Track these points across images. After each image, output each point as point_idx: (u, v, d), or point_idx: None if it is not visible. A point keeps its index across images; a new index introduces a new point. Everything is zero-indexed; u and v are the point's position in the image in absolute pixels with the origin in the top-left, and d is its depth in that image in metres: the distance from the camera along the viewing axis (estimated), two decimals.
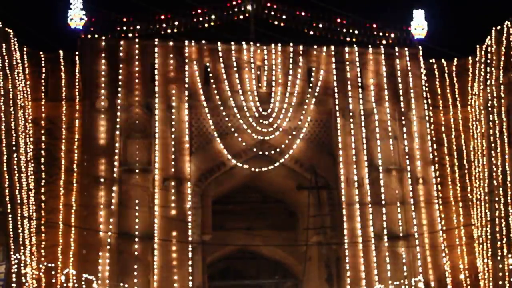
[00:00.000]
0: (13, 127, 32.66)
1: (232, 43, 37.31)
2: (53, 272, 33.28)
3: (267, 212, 41.84)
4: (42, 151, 35.43)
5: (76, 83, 36.43)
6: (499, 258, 33.65)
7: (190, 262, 34.43)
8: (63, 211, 34.74)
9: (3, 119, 32.14)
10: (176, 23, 37.55)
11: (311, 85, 37.38)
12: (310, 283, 39.12)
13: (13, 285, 30.44)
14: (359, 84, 37.68)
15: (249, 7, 38.27)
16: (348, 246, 35.40)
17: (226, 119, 36.56)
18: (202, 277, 35.60)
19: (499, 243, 33.76)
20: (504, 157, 34.27)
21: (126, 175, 35.14)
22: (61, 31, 39.26)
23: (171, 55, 36.57)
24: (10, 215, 31.23)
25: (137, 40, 36.66)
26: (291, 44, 37.63)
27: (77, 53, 36.55)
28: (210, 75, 36.78)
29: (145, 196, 35.15)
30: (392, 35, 38.86)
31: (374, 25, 38.80)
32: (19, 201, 32.15)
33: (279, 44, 37.59)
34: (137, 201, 34.84)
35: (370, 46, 38.34)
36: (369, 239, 35.52)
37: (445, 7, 54.60)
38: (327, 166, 36.90)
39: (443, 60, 39.71)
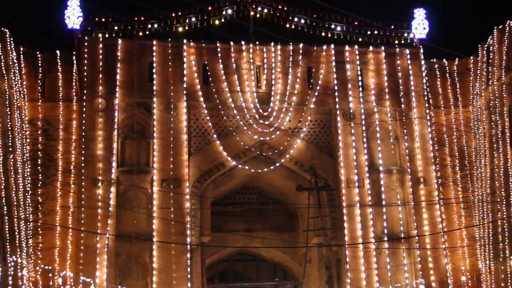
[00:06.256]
0: (10, 128, 32.37)
1: (232, 43, 37.07)
2: (50, 275, 32.95)
3: (267, 213, 41.55)
4: (39, 152, 35.20)
5: (73, 83, 36.16)
6: (501, 259, 33.40)
7: (188, 264, 34.16)
8: (60, 213, 34.47)
9: (0, 119, 31.84)
10: (174, 22, 37.27)
11: (311, 85, 37.13)
12: (310, 285, 38.86)
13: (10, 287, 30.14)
14: (360, 84, 37.47)
15: (248, 7, 38.01)
16: (349, 247, 35.16)
17: (225, 119, 36.30)
18: (201, 279, 35.34)
19: (501, 244, 33.47)
20: (506, 158, 34.02)
21: (124, 176, 34.88)
22: (58, 30, 39.06)
23: (170, 55, 36.27)
24: (6, 217, 30.92)
25: (135, 39, 36.41)
26: (291, 43, 37.40)
27: (74, 52, 36.30)
28: (209, 74, 36.51)
29: (144, 197, 34.95)
30: (393, 35, 38.64)
31: (375, 25, 38.57)
32: (15, 203, 31.85)
33: (279, 44, 37.35)
34: (135, 203, 34.60)
35: (370, 45, 38.15)
36: (370, 241, 35.26)
37: (446, 6, 54.35)
38: (327, 167, 36.68)
39: (444, 60, 39.57)
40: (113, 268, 33.64)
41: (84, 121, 34.99)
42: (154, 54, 36.21)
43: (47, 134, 35.62)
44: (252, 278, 42.54)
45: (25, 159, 33.98)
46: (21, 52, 35.24)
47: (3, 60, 32.64)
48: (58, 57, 36.37)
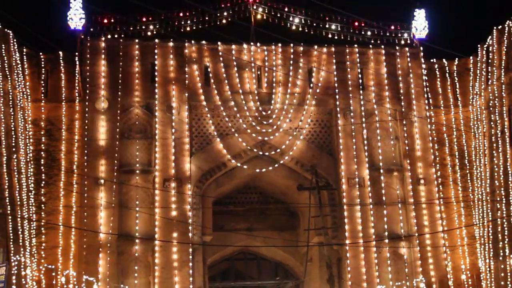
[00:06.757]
0: (13, 128, 32.58)
1: (232, 43, 37.22)
2: (53, 274, 33.14)
3: (268, 212, 41.70)
4: (42, 152, 35.39)
5: (76, 84, 36.37)
6: (501, 258, 33.54)
7: (190, 263, 34.36)
8: (63, 213, 34.67)
9: (3, 120, 32.05)
10: (176, 23, 37.43)
11: (311, 85, 37.31)
12: (311, 284, 39.02)
13: (13, 287, 30.30)
14: (360, 84, 37.60)
15: (249, 7, 38.18)
16: (349, 246, 35.29)
17: (227, 119, 36.47)
18: (203, 278, 35.52)
19: (500, 243, 33.63)
20: (505, 157, 34.17)
21: (126, 176, 35.05)
22: (61, 31, 39.21)
23: (171, 56, 36.48)
24: (10, 217, 31.13)
25: (137, 40, 36.59)
26: (292, 44, 37.57)
27: (76, 53, 36.50)
28: (211, 75, 36.70)
29: (146, 197, 35.11)
30: (393, 35, 38.77)
31: (375, 25, 38.70)
32: (19, 203, 32.06)
33: (279, 44, 37.53)
34: (137, 202, 34.76)
35: (371, 46, 38.27)
36: (370, 240, 35.41)
37: (446, 7, 54.51)
38: (328, 167, 36.84)
39: (444, 60, 39.66)
40: (115, 267, 33.82)
41: (86, 122, 35.18)
42: (156, 54, 36.43)
43: (50, 134, 35.84)
44: (253, 277, 42.72)
45: (28, 159, 34.18)
46: (24, 53, 35.44)
47: (6, 61, 32.87)
48: (60, 58, 36.61)
